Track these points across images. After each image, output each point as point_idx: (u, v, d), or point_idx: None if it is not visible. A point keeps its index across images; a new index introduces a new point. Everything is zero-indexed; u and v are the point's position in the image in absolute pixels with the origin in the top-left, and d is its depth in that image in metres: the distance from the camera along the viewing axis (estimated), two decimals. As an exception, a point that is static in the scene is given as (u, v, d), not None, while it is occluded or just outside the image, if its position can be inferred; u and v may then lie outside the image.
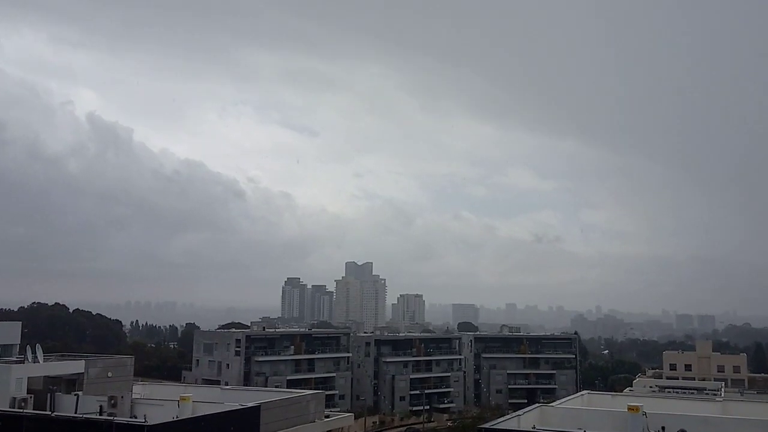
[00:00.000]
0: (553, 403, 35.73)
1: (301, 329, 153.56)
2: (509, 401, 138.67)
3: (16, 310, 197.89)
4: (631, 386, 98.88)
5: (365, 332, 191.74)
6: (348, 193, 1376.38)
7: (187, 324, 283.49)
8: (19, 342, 50.13)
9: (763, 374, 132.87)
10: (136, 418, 33.38)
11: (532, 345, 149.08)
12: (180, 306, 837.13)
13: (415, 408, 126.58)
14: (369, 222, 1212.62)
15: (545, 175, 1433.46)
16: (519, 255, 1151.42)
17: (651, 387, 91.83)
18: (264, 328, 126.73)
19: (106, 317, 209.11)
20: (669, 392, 76.14)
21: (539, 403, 37.91)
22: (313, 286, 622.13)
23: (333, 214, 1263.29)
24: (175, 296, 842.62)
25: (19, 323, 52.23)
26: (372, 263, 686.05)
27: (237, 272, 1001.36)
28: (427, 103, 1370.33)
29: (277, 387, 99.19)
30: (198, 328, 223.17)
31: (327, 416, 45.33)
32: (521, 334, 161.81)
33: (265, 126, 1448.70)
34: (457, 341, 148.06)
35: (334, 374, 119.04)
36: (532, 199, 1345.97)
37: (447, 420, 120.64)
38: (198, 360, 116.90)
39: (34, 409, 36.64)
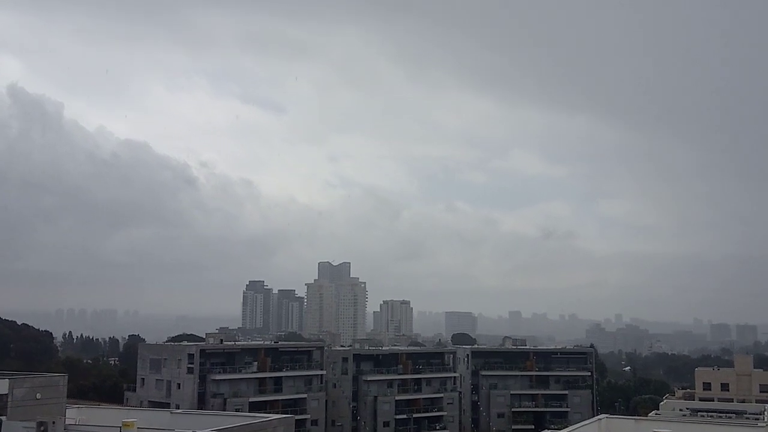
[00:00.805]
0: (564, 430, 36.26)
1: (266, 342, 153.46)
2: (513, 427, 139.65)
3: None
4: (658, 409, 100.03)
5: (342, 345, 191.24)
6: (321, 180, 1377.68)
7: (130, 336, 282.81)
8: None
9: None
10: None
11: (541, 360, 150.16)
12: (122, 314, 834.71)
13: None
14: (346, 215, 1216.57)
15: (556, 159, 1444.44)
16: (525, 254, 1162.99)
17: (681, 410, 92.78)
18: (222, 340, 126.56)
19: (33, 328, 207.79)
20: (702, 416, 76.90)
21: (548, 429, 38.53)
22: (279, 290, 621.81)
23: (303, 205, 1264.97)
24: (115, 303, 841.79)
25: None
26: (350, 264, 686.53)
27: (189, 274, 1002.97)
28: (415, 72, 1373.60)
29: (237, 410, 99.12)
30: (143, 340, 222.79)
31: (298, 445, 45.72)
32: (527, 347, 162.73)
33: (223, 100, 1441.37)
34: (451, 356, 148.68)
35: (305, 395, 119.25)
36: (540, 188, 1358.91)
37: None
38: (143, 379, 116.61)
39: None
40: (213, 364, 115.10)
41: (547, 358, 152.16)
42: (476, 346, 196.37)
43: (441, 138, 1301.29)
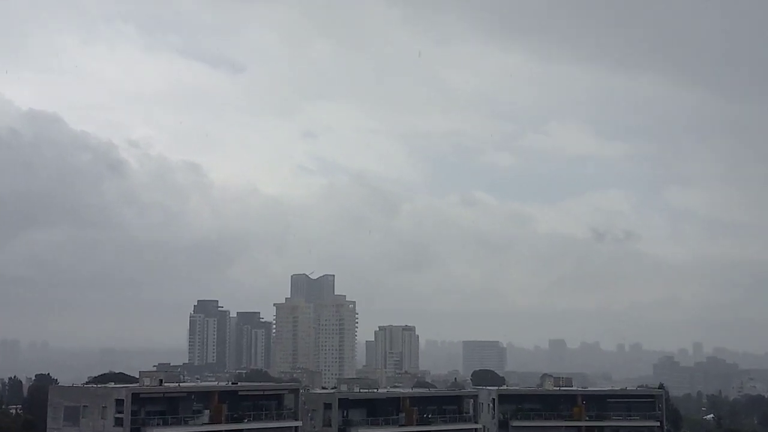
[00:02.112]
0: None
1: (222, 383, 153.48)
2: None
3: None
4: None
5: (324, 387, 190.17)
6: (293, 165, 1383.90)
7: (37, 375, 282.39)
8: None
9: None
10: None
11: (593, 406, 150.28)
12: (26, 347, 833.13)
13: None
14: (328, 211, 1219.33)
15: (610, 133, 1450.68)
16: (569, 262, 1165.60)
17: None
18: (161, 381, 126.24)
19: None
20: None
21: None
22: (239, 313, 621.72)
23: (270, 197, 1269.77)
24: (16, 331, 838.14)
25: None
26: (333, 277, 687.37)
27: (116, 292, 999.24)
28: (415, 15, 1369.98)
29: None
30: (55, 381, 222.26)
31: None
32: (574, 388, 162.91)
33: (159, 57, 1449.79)
34: (472, 401, 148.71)
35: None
36: (589, 172, 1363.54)
37: None
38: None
39: None
40: (150, 413, 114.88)
41: (601, 402, 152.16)
42: (505, 387, 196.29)
43: (453, 106, 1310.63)
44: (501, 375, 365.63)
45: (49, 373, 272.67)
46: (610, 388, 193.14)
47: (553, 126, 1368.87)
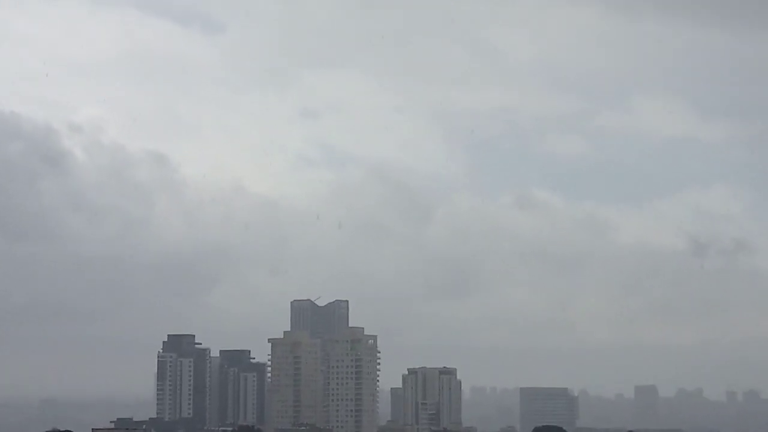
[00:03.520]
0: None
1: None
2: None
3: None
4: None
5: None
6: (290, 154, 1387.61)
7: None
8: None
9: None
10: None
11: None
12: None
13: None
14: (337, 215, 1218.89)
15: (713, 110, 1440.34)
16: (660, 283, 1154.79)
17: None
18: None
19: None
20: None
21: None
22: (223, 351, 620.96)
23: (261, 198, 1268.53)
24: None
25: None
26: (347, 303, 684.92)
27: (60, 325, 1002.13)
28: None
29: None
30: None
31: None
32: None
33: (110, 14, 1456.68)
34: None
35: None
36: (685, 161, 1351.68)
37: None
38: None
39: None
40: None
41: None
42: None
43: (504, 76, 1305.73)
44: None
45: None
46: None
47: (636, 101, 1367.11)
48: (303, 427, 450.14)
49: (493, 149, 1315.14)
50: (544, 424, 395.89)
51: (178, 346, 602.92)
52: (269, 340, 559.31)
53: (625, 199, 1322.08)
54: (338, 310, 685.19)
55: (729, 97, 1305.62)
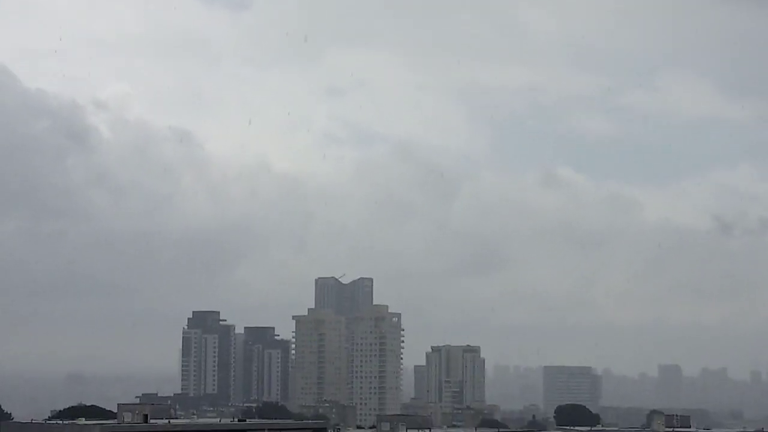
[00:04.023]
0: None
1: (226, 420, 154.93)
2: None
3: None
4: None
5: (360, 427, 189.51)
6: (315, 131, 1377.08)
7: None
8: None
9: None
10: None
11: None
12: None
13: None
14: (362, 193, 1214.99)
15: (742, 89, 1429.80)
16: (686, 262, 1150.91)
17: None
18: (147, 416, 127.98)
19: None
20: None
21: None
22: (247, 328, 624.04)
23: (285, 176, 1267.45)
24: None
25: None
26: (371, 281, 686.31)
27: (85, 301, 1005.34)
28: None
29: None
30: (9, 416, 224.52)
31: None
32: (692, 430, 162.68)
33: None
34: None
35: None
36: (712, 141, 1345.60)
37: None
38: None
39: None
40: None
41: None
42: (600, 427, 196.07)
43: (528, 53, 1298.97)
44: (594, 412, 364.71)
45: (0, 406, 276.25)
46: (741, 429, 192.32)
47: (663, 79, 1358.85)
48: (326, 404, 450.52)
49: (518, 127, 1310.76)
50: (568, 402, 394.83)
51: (203, 322, 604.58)
52: (293, 318, 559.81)
53: (650, 177, 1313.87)
54: (362, 287, 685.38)
55: (756, 76, 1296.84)
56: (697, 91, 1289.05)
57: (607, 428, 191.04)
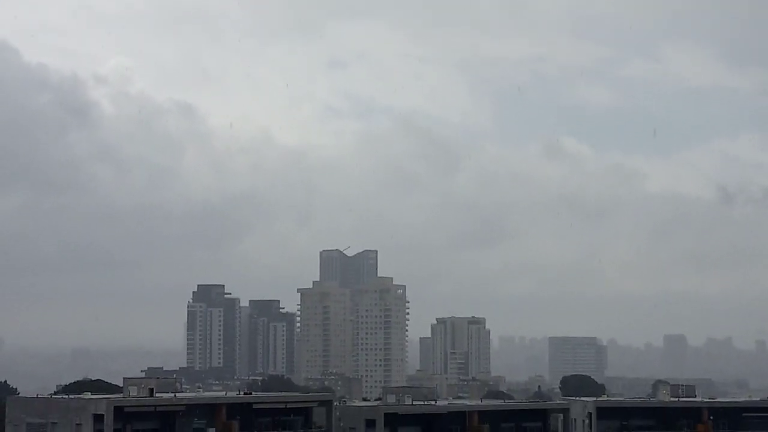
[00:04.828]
0: None
1: (231, 393, 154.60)
2: None
3: None
4: None
5: (365, 399, 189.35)
6: (317, 104, 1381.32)
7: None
8: None
9: None
10: None
11: (723, 422, 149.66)
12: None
13: None
14: (365, 165, 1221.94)
15: (743, 59, 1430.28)
16: (689, 232, 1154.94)
17: None
18: (152, 390, 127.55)
19: None
20: None
21: None
22: (252, 302, 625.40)
23: (288, 148, 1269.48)
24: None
25: None
26: (376, 253, 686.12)
27: (90, 275, 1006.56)
28: None
29: None
30: (15, 391, 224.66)
31: None
32: (697, 399, 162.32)
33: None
34: (561, 416, 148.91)
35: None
36: (714, 110, 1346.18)
37: None
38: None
39: None
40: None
41: (734, 417, 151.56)
42: (605, 397, 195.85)
43: (530, 24, 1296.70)
44: (600, 382, 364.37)
45: (5, 381, 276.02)
46: (746, 398, 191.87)
47: (665, 49, 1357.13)
48: (332, 377, 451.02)
49: (520, 98, 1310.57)
50: (573, 373, 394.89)
51: (208, 296, 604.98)
52: (298, 290, 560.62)
53: (652, 148, 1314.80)
54: (367, 260, 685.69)
55: (758, 45, 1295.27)
56: (699, 61, 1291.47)
57: (612, 398, 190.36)
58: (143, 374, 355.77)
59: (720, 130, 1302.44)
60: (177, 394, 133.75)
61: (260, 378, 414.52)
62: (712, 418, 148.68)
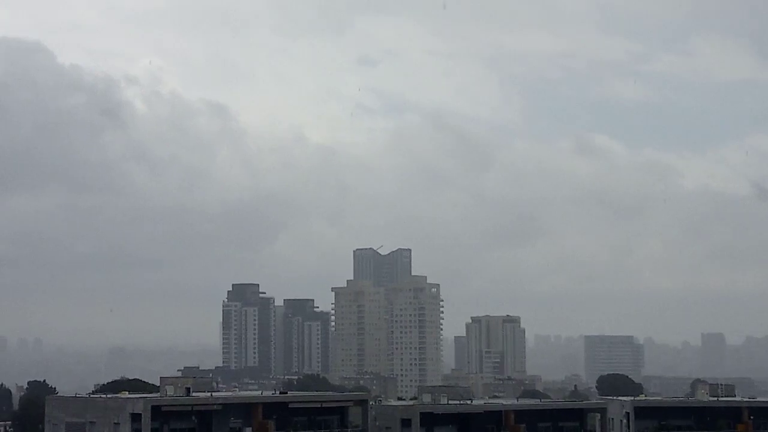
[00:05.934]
0: None
1: (267, 392, 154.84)
2: None
3: None
4: None
5: (401, 398, 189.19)
6: (347, 101, 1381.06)
7: (30, 383, 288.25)
8: None
9: None
10: None
11: (763, 422, 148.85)
12: (14, 346, 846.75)
13: None
14: (396, 163, 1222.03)
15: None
16: (725, 228, 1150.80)
17: None
18: (189, 390, 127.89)
19: None
20: None
21: None
22: (287, 301, 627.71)
23: (320, 146, 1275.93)
24: (2, 327, 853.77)
25: None
26: (410, 252, 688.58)
27: (126, 275, 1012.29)
28: None
29: None
30: (53, 390, 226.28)
31: None
32: (737, 399, 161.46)
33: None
34: (598, 416, 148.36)
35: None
36: (748, 105, 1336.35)
37: None
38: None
39: None
40: (175, 431, 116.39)
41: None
42: (643, 397, 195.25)
43: (561, 19, 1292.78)
44: (637, 381, 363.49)
45: (44, 380, 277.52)
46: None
47: (696, 43, 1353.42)
48: (367, 376, 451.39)
49: (549, 94, 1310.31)
50: (610, 372, 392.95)
51: (243, 295, 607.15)
52: (332, 289, 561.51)
53: (686, 144, 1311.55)
54: (401, 258, 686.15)
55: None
56: (730, 54, 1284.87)
57: (650, 397, 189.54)
58: (179, 373, 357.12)
59: (752, 125, 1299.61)
60: (213, 394, 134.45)
61: (296, 377, 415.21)
62: (752, 417, 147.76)
